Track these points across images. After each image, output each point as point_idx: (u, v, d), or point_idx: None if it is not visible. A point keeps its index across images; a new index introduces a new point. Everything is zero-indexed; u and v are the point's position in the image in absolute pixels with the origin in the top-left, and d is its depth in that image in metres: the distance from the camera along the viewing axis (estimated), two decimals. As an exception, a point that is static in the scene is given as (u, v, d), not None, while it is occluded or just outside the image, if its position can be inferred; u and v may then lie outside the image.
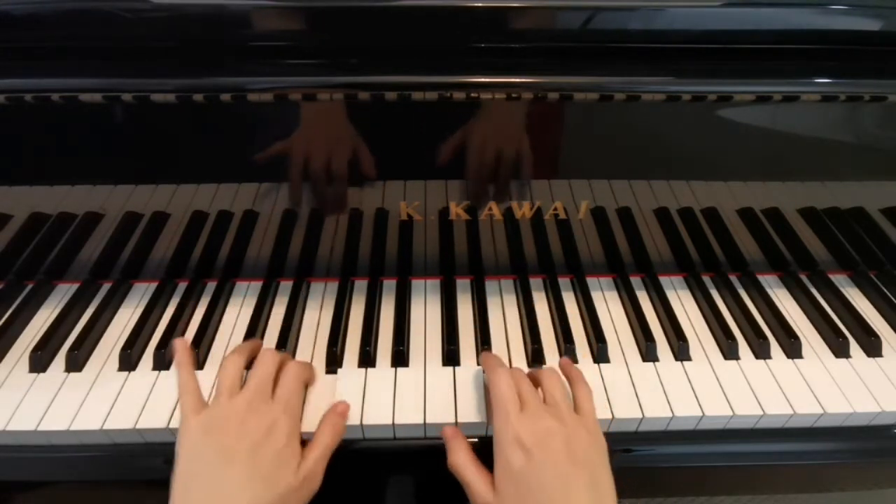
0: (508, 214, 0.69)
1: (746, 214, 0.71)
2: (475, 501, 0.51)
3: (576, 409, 0.55)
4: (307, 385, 0.60)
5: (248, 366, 0.58)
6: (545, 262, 0.75)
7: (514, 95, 0.60)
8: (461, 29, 0.61)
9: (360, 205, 0.68)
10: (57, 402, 0.60)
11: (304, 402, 0.58)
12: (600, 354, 0.65)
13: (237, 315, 0.71)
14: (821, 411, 0.59)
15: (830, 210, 0.71)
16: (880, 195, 0.70)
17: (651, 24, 0.61)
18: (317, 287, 0.74)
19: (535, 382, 0.57)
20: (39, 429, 0.57)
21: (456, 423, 0.57)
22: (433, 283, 0.75)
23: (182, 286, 0.73)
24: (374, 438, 0.58)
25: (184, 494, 0.49)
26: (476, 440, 0.57)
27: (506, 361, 0.64)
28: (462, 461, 0.53)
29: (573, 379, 0.58)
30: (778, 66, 0.62)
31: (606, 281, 0.76)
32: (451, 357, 0.64)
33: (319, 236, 0.71)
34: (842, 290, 0.74)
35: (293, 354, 0.66)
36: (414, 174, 0.66)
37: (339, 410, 0.57)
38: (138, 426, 0.57)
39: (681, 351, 0.65)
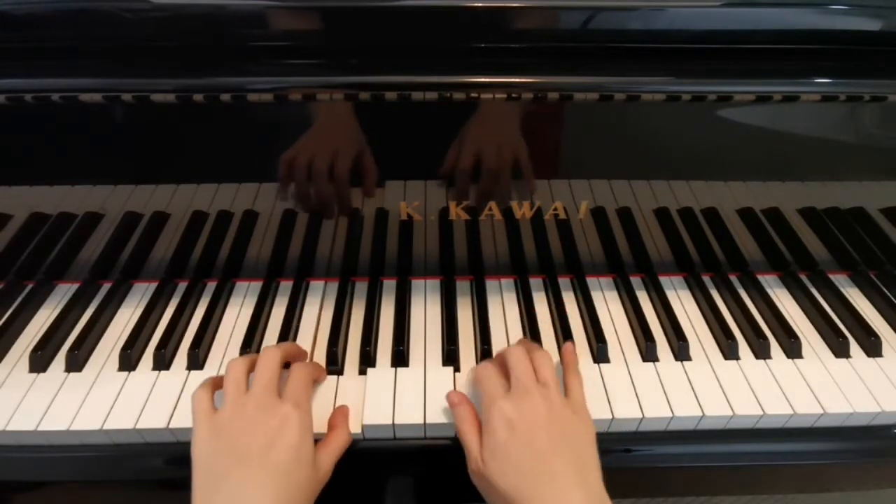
0: (508, 214, 0.69)
1: (746, 214, 0.71)
2: (470, 467, 0.53)
3: (566, 393, 0.57)
4: (316, 382, 0.60)
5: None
6: (545, 262, 0.75)
7: (514, 95, 0.60)
8: (461, 29, 0.61)
9: (361, 205, 0.68)
10: (57, 402, 0.60)
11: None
12: (600, 354, 0.65)
13: (237, 315, 0.71)
14: (821, 411, 0.59)
15: (830, 210, 0.71)
16: (880, 195, 0.70)
17: (651, 24, 0.61)
18: (317, 287, 0.74)
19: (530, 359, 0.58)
20: (39, 429, 0.57)
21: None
22: (433, 283, 0.75)
23: (182, 286, 0.73)
24: (374, 438, 0.58)
25: (204, 501, 0.49)
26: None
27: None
28: (465, 428, 0.55)
29: (567, 366, 0.60)
30: (778, 66, 0.61)
31: (606, 281, 0.76)
32: (451, 357, 0.64)
33: (319, 236, 0.71)
34: (842, 290, 0.74)
35: (293, 354, 0.66)
36: (414, 174, 0.66)
37: (345, 413, 0.58)
38: (138, 426, 0.57)
39: (681, 351, 0.65)
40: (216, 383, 0.57)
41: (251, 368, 0.56)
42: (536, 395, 0.54)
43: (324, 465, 0.53)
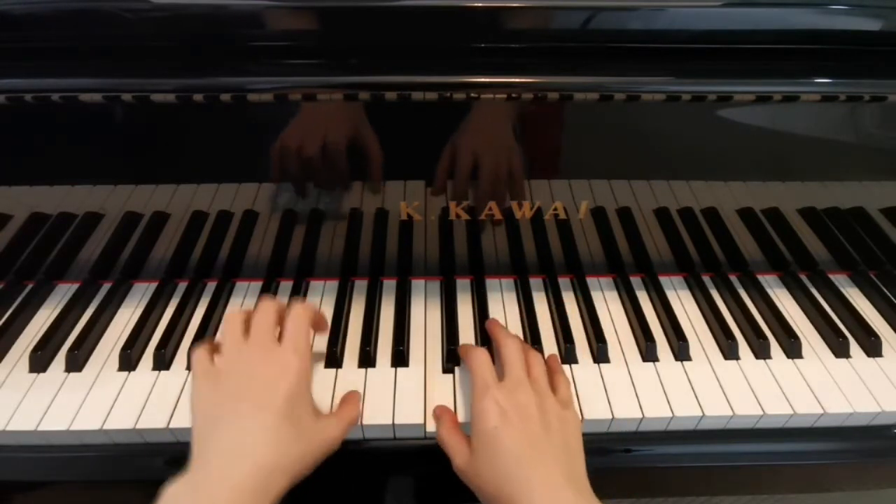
0: (508, 214, 0.69)
1: (746, 214, 0.71)
2: (455, 465, 0.54)
3: (554, 390, 0.58)
4: (320, 331, 0.61)
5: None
6: (545, 262, 0.75)
7: (514, 95, 0.60)
8: (461, 29, 0.61)
9: (360, 205, 0.68)
10: (57, 402, 0.60)
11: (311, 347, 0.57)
12: (600, 354, 0.65)
13: (237, 315, 0.71)
14: (821, 411, 0.59)
15: (830, 210, 0.71)
16: (880, 195, 0.70)
17: (651, 24, 0.61)
18: (317, 287, 0.74)
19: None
20: (39, 429, 0.57)
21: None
22: (433, 283, 0.75)
23: (182, 286, 0.73)
24: (374, 438, 0.58)
25: (204, 444, 0.49)
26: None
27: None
28: (445, 431, 0.56)
29: (553, 370, 0.61)
30: (778, 66, 0.61)
31: (606, 281, 0.76)
32: (451, 357, 0.64)
33: (319, 236, 0.71)
34: (842, 290, 0.74)
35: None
36: (414, 174, 0.66)
37: (356, 396, 0.59)
38: (138, 426, 0.57)
39: (681, 351, 0.65)
40: (213, 346, 0.57)
41: (247, 324, 0.57)
42: (528, 386, 0.55)
43: (331, 430, 0.53)
